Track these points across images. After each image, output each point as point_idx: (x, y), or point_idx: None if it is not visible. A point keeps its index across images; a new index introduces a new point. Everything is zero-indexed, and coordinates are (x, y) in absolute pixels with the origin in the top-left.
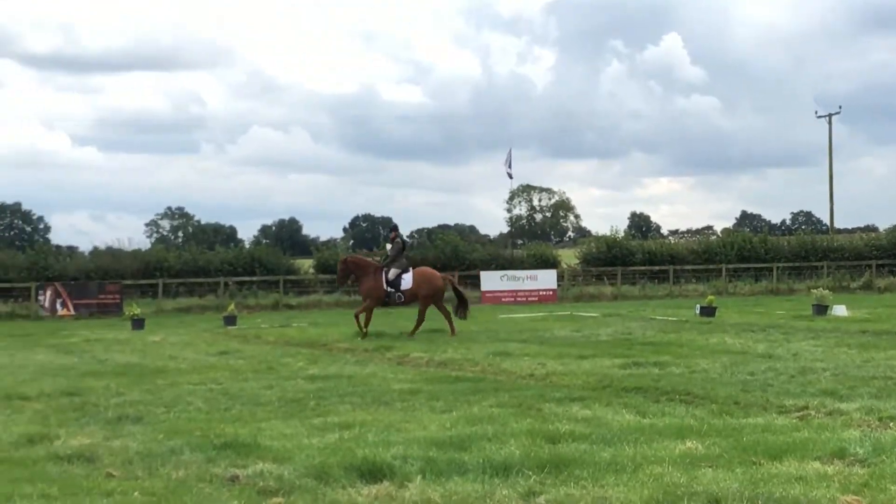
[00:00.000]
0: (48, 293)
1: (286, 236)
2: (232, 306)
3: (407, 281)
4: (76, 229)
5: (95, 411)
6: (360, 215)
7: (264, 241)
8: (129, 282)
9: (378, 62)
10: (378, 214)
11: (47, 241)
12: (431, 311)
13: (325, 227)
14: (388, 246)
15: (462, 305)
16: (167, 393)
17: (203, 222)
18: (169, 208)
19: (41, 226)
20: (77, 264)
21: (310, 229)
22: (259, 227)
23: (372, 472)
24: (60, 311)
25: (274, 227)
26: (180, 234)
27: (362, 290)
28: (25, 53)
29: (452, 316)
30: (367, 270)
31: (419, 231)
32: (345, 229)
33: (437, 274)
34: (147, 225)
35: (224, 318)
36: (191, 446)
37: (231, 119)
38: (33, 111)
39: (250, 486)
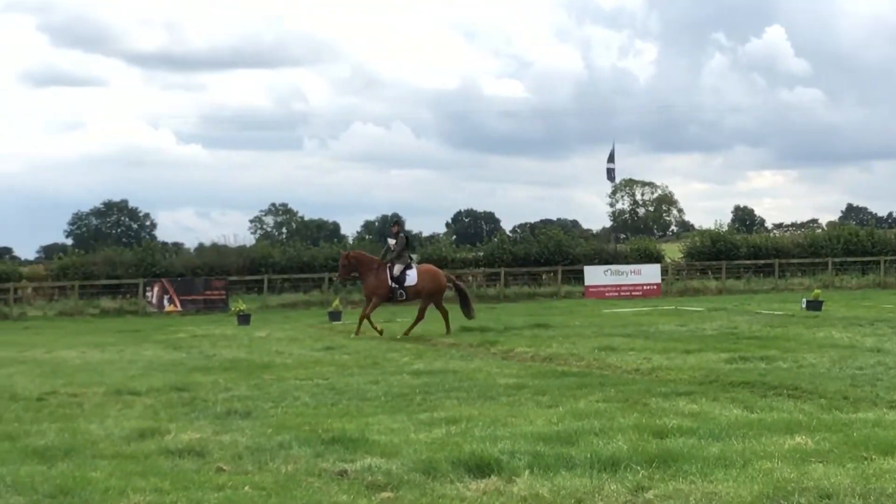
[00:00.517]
0: (155, 289)
1: (389, 231)
2: (337, 302)
3: (412, 277)
4: (182, 226)
5: (204, 406)
6: (462, 210)
7: (367, 236)
8: (234, 278)
9: (479, 57)
10: (480, 209)
11: (154, 237)
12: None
13: (427, 222)
14: (392, 241)
15: (465, 304)
16: (274, 388)
17: (307, 218)
18: (273, 204)
19: (147, 223)
20: (183, 261)
21: (412, 224)
22: (362, 223)
23: (479, 467)
24: (167, 306)
25: (377, 223)
26: (284, 230)
27: (366, 287)
28: (131, 52)
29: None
30: (370, 267)
31: (521, 226)
32: (447, 224)
33: (441, 272)
34: (251, 221)
35: (329, 314)
36: (299, 441)
37: (333, 115)
38: (139, 109)
39: (359, 480)
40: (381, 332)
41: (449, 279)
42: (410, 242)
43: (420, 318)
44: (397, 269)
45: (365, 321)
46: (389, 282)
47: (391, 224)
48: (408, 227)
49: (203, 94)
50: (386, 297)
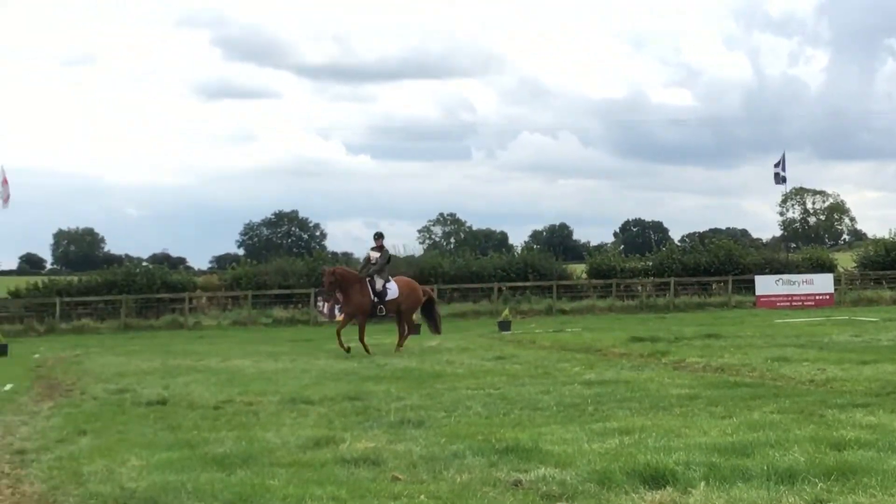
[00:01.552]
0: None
1: (557, 241)
2: (507, 312)
3: (393, 291)
4: (351, 236)
5: (377, 415)
6: (630, 220)
7: (535, 246)
8: None
9: (647, 66)
10: (648, 218)
11: (323, 247)
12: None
13: (595, 231)
14: (374, 254)
15: (433, 322)
16: (446, 397)
17: (474, 228)
18: (441, 214)
19: (318, 233)
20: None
21: (580, 234)
22: (530, 233)
23: (654, 478)
24: (338, 316)
25: (544, 232)
26: (452, 240)
27: (350, 304)
28: (302, 65)
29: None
30: (353, 283)
31: (690, 235)
32: (615, 234)
33: (418, 285)
34: (420, 231)
35: (499, 324)
36: (473, 450)
37: (501, 125)
38: (309, 121)
39: (533, 490)
40: (355, 349)
41: (424, 291)
42: (391, 259)
43: (409, 331)
44: (379, 283)
45: (349, 338)
46: (372, 297)
47: (375, 237)
48: (575, 236)
49: (372, 106)
50: (369, 313)
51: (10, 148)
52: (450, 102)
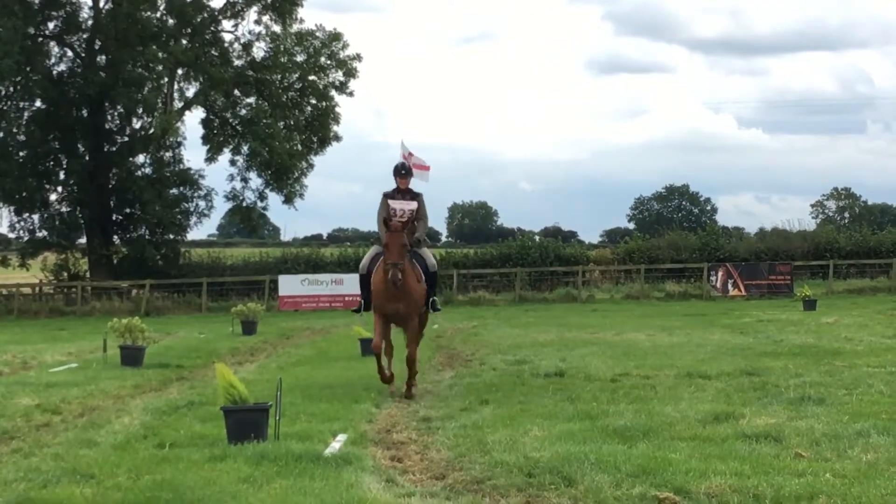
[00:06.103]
0: (719, 273)
1: None
2: None
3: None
4: (741, 210)
5: (776, 391)
6: None
7: None
8: (798, 262)
9: None
10: None
11: (714, 222)
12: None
13: None
14: (404, 206)
15: None
16: (846, 375)
17: (870, 203)
18: (835, 189)
19: (708, 207)
20: (746, 245)
21: None
22: None
23: None
24: (731, 291)
25: None
26: (846, 215)
27: (410, 295)
28: (694, 39)
29: None
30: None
31: None
32: None
33: None
34: (812, 206)
35: None
36: (878, 429)
37: None
38: (700, 95)
39: None
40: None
41: None
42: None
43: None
44: (430, 258)
45: None
46: (423, 282)
47: (398, 173)
48: None
49: (765, 79)
50: None
51: (411, 124)
52: (846, 75)
